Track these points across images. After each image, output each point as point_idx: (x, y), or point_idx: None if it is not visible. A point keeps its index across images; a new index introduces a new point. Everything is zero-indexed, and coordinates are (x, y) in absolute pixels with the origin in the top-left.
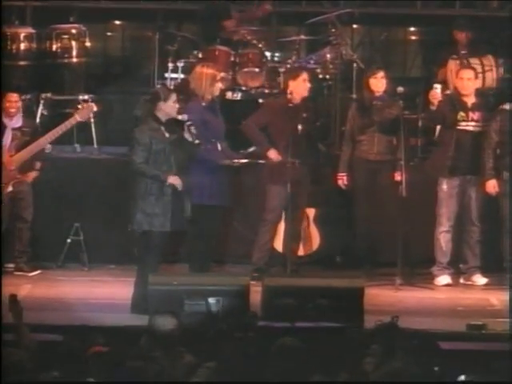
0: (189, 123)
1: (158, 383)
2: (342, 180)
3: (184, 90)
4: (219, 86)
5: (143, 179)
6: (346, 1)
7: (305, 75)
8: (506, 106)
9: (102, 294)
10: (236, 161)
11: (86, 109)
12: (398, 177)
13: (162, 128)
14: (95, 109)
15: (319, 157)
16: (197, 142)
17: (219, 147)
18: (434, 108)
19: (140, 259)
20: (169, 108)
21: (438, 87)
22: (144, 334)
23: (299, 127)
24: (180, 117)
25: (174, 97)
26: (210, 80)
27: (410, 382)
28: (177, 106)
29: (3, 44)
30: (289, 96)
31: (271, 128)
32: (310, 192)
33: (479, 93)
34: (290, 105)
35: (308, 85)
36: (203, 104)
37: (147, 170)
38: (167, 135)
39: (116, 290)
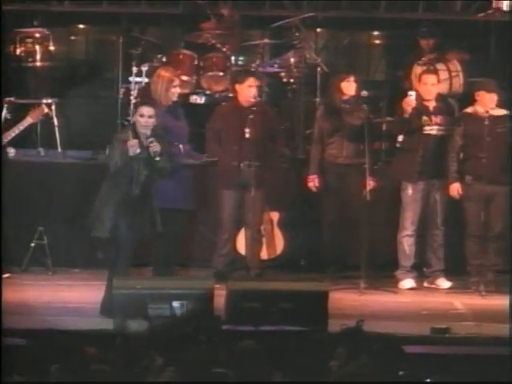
0: (150, 139)
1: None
2: (314, 182)
3: (146, 95)
4: (176, 90)
5: (107, 184)
6: (309, 2)
7: (251, 81)
8: (469, 110)
9: (66, 297)
10: (199, 160)
11: (37, 110)
12: (368, 181)
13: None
14: (46, 110)
15: (276, 159)
16: (157, 158)
17: (182, 150)
18: (406, 116)
19: (107, 263)
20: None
21: (412, 94)
22: (117, 337)
23: (247, 130)
24: (143, 131)
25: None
26: (166, 84)
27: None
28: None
29: None
30: (239, 98)
31: (222, 132)
32: (275, 195)
33: (442, 97)
34: (238, 108)
35: (254, 91)
36: (163, 108)
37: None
38: (138, 149)
39: (81, 293)
